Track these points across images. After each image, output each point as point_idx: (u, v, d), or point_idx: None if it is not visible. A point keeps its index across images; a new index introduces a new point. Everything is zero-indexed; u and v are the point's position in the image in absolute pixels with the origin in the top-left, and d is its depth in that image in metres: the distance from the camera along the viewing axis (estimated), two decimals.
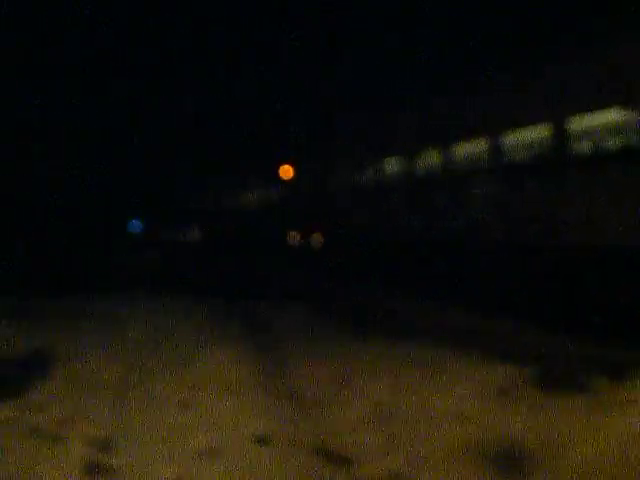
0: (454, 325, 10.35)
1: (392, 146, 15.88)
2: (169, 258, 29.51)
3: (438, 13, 15.25)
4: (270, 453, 4.84)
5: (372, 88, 17.41)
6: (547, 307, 9.99)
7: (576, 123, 9.87)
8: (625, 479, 4.36)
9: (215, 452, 4.80)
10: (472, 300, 11.83)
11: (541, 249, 10.43)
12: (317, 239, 21.52)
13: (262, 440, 5.05)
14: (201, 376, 7.02)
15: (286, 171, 24.57)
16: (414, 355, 8.01)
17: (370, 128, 17.25)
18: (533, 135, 10.83)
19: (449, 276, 12.92)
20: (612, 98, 9.10)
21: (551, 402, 5.90)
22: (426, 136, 14.17)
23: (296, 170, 24.24)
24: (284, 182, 25.42)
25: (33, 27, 19.70)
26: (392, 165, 16.11)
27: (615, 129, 9.26)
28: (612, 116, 9.27)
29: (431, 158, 14.19)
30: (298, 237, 23.89)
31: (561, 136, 10.10)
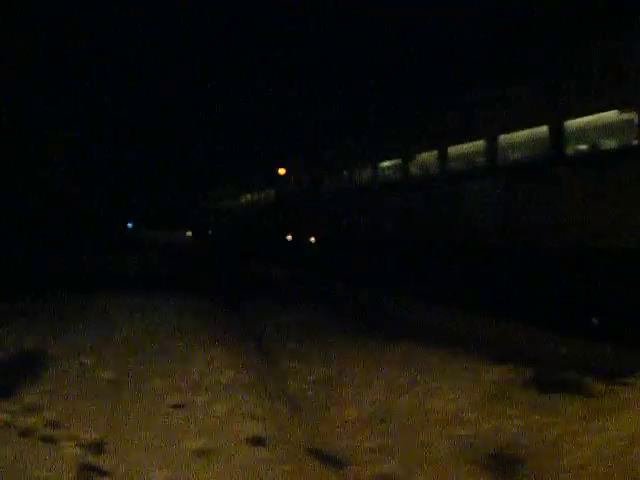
0: (450, 326, 10.35)
1: (378, 153, 16.75)
2: (162, 258, 29.46)
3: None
4: (264, 455, 4.81)
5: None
6: (543, 308, 10.00)
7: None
8: None
9: (209, 454, 4.77)
10: (470, 301, 11.85)
11: (538, 251, 10.45)
12: (312, 240, 21.52)
13: (256, 442, 5.02)
14: (194, 377, 6.98)
15: (281, 172, 24.77)
16: (410, 356, 8.00)
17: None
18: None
19: (448, 277, 12.95)
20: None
21: (546, 404, 5.89)
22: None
23: (288, 171, 24.43)
24: (278, 183, 25.50)
25: (33, 27, 19.60)
26: (384, 169, 16.42)
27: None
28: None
29: (422, 164, 14.46)
30: (294, 238, 23.91)
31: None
